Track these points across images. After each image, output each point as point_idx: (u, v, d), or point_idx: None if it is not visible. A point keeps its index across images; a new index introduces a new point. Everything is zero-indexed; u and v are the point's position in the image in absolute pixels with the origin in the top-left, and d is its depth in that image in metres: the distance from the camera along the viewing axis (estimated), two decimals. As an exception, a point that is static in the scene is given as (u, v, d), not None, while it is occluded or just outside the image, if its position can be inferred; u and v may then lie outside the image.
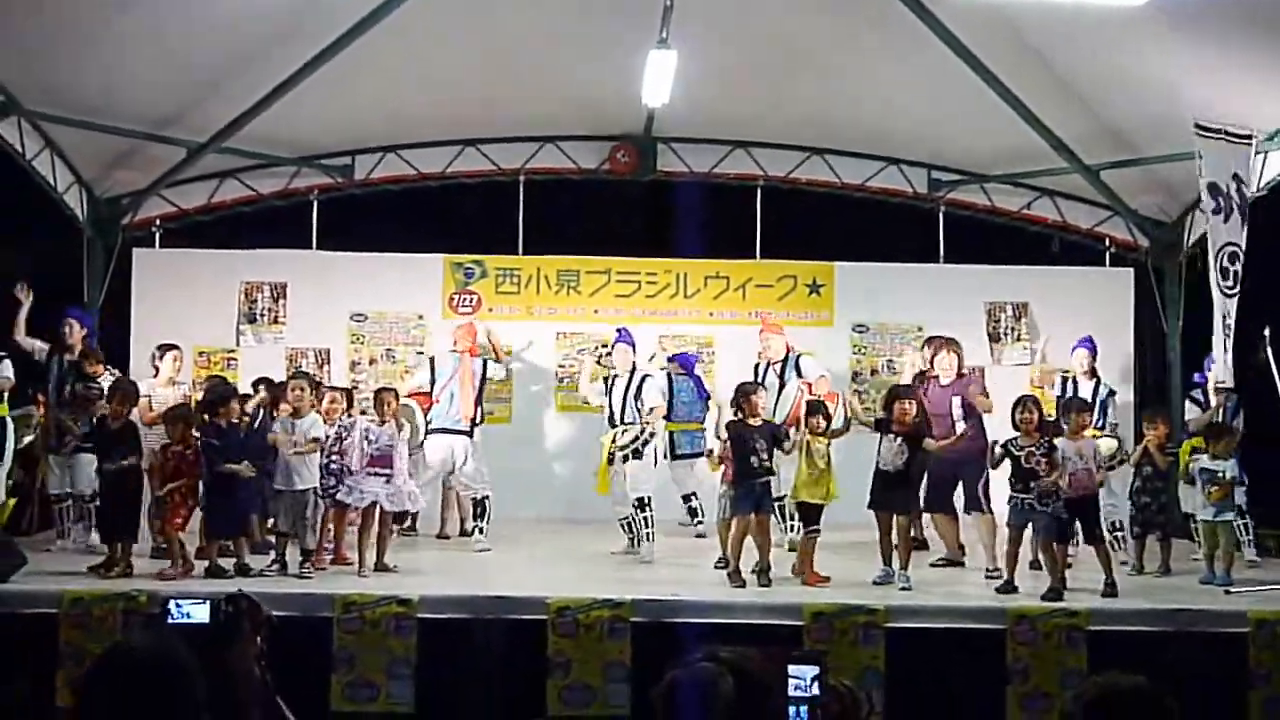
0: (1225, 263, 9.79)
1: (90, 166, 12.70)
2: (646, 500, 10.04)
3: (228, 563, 8.88)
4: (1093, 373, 10.87)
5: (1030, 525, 8.67)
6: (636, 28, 10.41)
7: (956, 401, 9.98)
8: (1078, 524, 8.93)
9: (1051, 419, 9.73)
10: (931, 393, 10.14)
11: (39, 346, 10.55)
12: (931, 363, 10.48)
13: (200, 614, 3.06)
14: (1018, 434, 8.84)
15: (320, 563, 9.05)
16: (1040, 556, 8.90)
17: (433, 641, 7.65)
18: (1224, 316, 9.76)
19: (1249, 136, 10.08)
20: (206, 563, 8.86)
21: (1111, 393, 10.79)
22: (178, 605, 3.09)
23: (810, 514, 9.05)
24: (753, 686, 2.71)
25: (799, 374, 10.72)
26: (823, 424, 9.14)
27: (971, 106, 11.41)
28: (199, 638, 2.96)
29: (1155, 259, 13.40)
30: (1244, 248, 9.86)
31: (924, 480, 9.81)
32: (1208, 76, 10.40)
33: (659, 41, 10.23)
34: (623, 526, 10.32)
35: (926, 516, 10.20)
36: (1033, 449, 8.67)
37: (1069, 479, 8.75)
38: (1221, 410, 10.47)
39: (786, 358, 10.84)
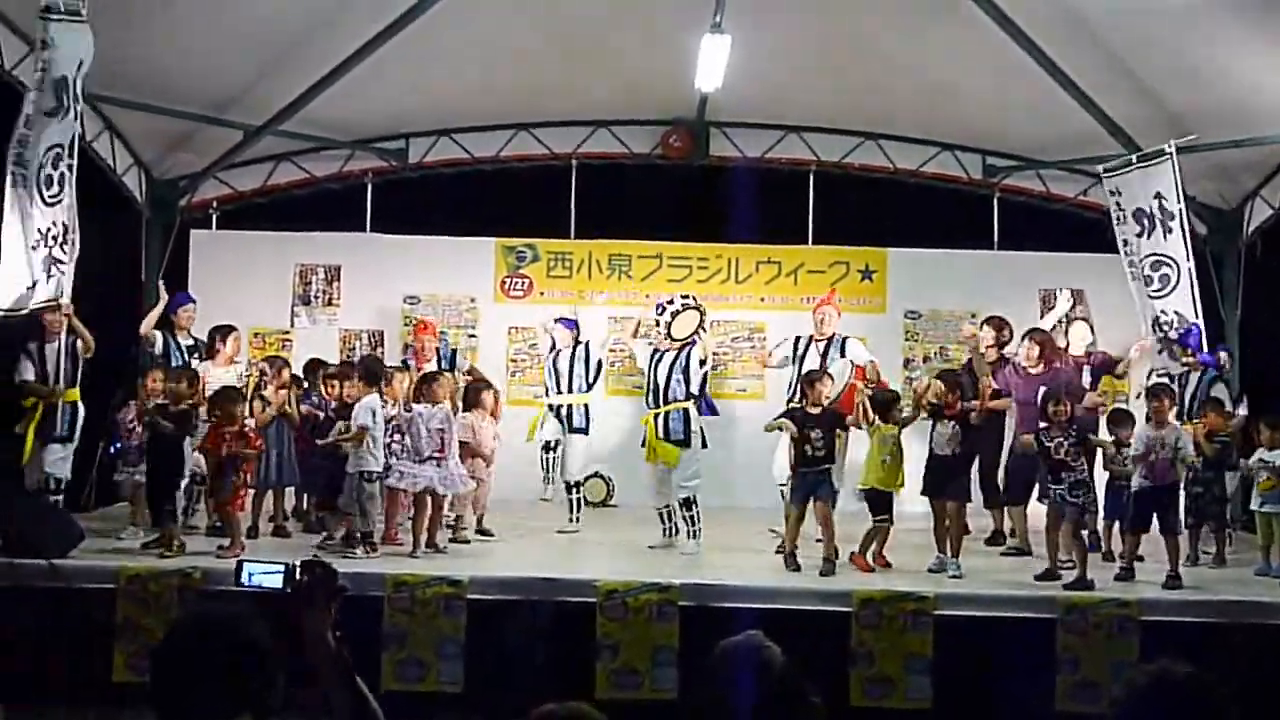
0: (1148, 270, 10.63)
1: (148, 149, 12.88)
2: (693, 498, 9.66)
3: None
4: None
5: (1064, 515, 8.65)
6: (690, 12, 10.38)
7: (1044, 392, 9.84)
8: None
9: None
10: (1014, 380, 10.08)
11: (157, 336, 10.71)
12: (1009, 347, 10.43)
13: (273, 580, 3.05)
14: (1049, 426, 8.79)
15: (373, 545, 9.06)
16: (1065, 541, 8.81)
17: (482, 622, 7.71)
18: (1155, 316, 10.56)
19: (1160, 152, 10.53)
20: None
21: (1216, 378, 10.60)
22: (250, 571, 3.08)
23: (879, 502, 8.99)
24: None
25: (843, 355, 10.48)
26: (900, 416, 9.11)
27: (1028, 91, 11.29)
28: (272, 604, 2.97)
29: (1214, 246, 13.17)
30: (1171, 254, 10.50)
31: (1001, 471, 10.06)
32: (1265, 62, 10.25)
33: (713, 26, 10.18)
34: (661, 516, 10.04)
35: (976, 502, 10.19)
36: (1062, 440, 8.64)
37: (1150, 467, 8.80)
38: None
39: (831, 339, 10.57)
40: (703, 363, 9.91)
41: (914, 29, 11.11)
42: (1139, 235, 10.66)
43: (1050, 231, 13.92)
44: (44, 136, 8.77)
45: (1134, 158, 10.69)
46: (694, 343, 9.92)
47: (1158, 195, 10.52)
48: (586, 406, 11.02)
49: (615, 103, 13.34)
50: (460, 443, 9.61)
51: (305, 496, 10.44)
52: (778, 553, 9.11)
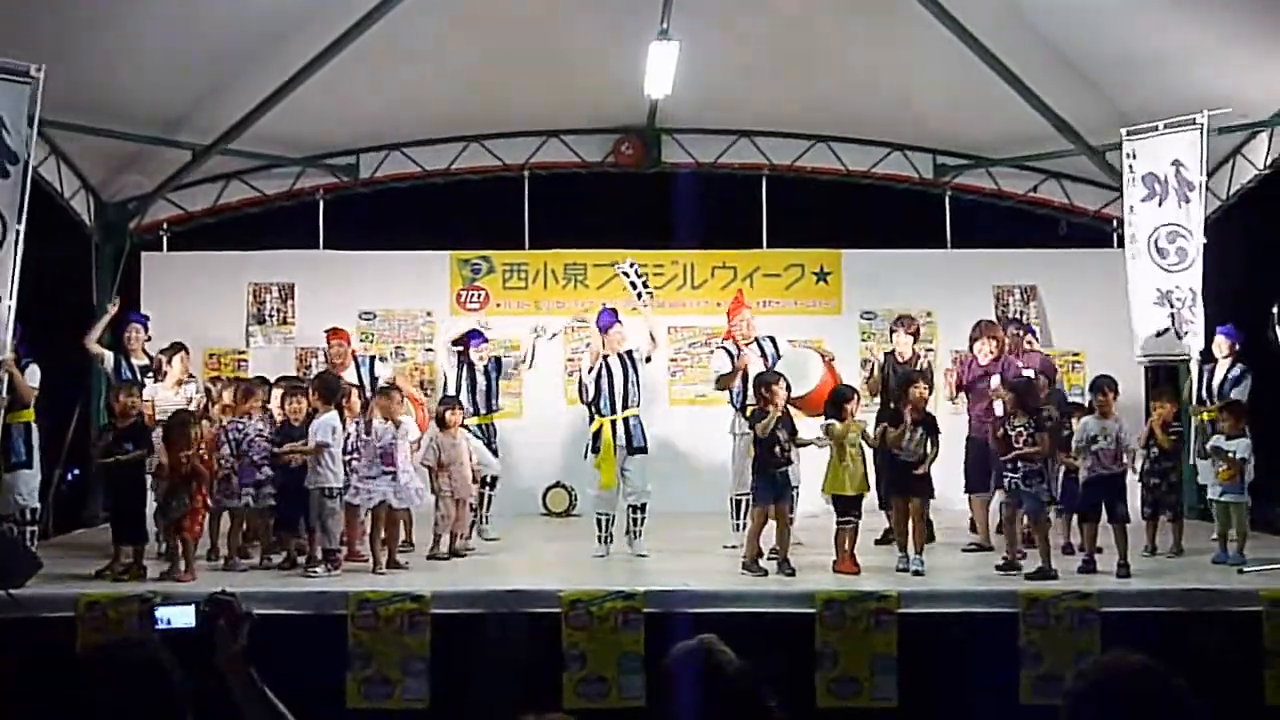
0: (1163, 243, 10.25)
1: (96, 172, 12.75)
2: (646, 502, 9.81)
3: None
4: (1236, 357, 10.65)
5: (1021, 504, 8.71)
6: (637, 19, 10.41)
7: (995, 380, 9.94)
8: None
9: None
10: (971, 372, 10.34)
11: (107, 355, 10.60)
12: (970, 345, 10.52)
13: (184, 619, 3.08)
14: (1010, 414, 8.84)
15: (336, 562, 9.02)
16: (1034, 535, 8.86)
17: (447, 637, 7.67)
18: (1167, 292, 10.21)
19: (1191, 121, 10.24)
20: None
21: (1245, 374, 10.47)
22: (161, 614, 3.11)
23: (844, 504, 8.89)
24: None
25: (779, 353, 10.31)
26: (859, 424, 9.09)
27: (976, 90, 11.40)
28: (187, 643, 2.98)
29: (1162, 239, 13.32)
30: (1190, 226, 10.18)
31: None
32: (1213, 55, 10.38)
33: (660, 32, 10.22)
34: (600, 524, 9.82)
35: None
36: (1021, 428, 8.69)
37: (1095, 457, 8.85)
38: (1221, 382, 10.46)
39: (758, 339, 10.40)
40: (649, 359, 10.12)
41: (861, 31, 11.19)
42: (1144, 200, 10.39)
43: (1002, 228, 14.07)
44: None
45: (1160, 125, 10.42)
46: (634, 348, 10.03)
47: (1175, 162, 10.29)
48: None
49: (566, 112, 13.35)
50: (440, 464, 9.66)
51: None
52: (742, 558, 9.08)
